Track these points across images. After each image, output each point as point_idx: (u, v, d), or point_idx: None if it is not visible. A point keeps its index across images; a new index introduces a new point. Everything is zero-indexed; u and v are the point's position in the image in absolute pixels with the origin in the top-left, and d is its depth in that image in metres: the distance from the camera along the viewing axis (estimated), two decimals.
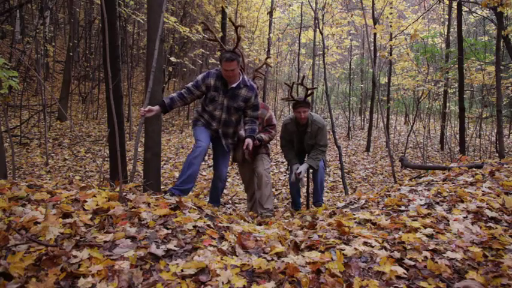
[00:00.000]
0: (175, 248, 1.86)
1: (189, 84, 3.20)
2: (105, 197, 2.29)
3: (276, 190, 6.32)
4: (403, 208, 2.64)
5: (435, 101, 12.12)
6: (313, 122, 3.85)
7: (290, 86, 3.91)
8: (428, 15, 13.91)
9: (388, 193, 3.19)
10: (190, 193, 5.65)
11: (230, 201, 5.41)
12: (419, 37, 8.19)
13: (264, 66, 4.48)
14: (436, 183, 3.22)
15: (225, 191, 6.02)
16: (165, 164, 7.98)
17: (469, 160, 4.68)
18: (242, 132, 3.66)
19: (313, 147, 3.92)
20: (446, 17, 11.16)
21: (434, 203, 2.65)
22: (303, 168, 3.78)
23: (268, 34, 12.20)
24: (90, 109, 13.10)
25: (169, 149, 9.40)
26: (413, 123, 8.63)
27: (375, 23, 9.56)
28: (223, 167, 3.34)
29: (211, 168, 7.95)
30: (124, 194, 2.45)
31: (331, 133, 7.20)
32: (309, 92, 3.81)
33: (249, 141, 3.25)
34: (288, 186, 4.16)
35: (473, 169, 3.66)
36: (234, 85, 3.10)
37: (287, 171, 4.38)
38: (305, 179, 3.92)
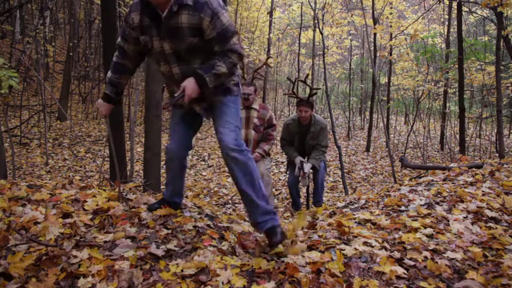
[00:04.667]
0: (175, 248, 1.86)
1: (119, 39, 2.02)
2: (105, 197, 2.30)
3: (276, 190, 6.32)
4: (403, 208, 2.64)
5: (435, 101, 12.12)
6: (316, 122, 3.89)
7: (293, 82, 3.94)
8: (428, 15, 13.91)
9: (388, 193, 3.19)
10: (190, 193, 5.65)
11: (230, 201, 5.40)
12: (419, 37, 8.19)
13: (264, 66, 4.48)
14: (436, 183, 3.22)
15: (224, 191, 6.02)
16: (165, 164, 7.97)
17: (469, 160, 4.68)
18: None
19: (313, 148, 3.94)
20: (446, 17, 11.16)
21: (434, 203, 2.65)
22: (307, 167, 3.80)
23: (268, 34, 12.20)
24: (90, 109, 13.09)
25: None
26: (413, 123, 8.64)
27: (374, 23, 9.56)
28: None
29: (211, 168, 7.95)
30: (124, 194, 2.46)
31: (331, 133, 7.20)
32: (313, 92, 3.84)
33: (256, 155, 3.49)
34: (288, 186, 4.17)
35: (473, 169, 3.66)
36: (165, 11, 1.80)
37: (287, 172, 4.39)
38: (307, 179, 3.95)
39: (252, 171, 1.95)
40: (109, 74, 2.10)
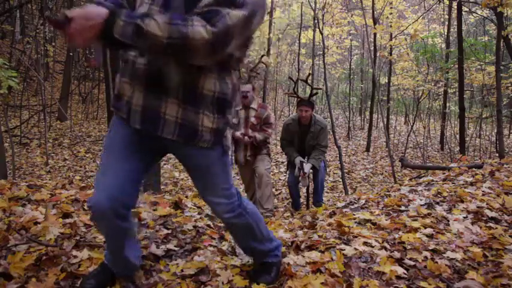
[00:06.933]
0: (175, 248, 1.86)
1: None
2: None
3: (276, 190, 6.31)
4: (403, 208, 2.64)
5: (435, 101, 12.12)
6: (316, 122, 3.89)
7: (294, 82, 3.93)
8: (428, 15, 13.90)
9: (388, 193, 3.19)
10: (190, 193, 5.65)
11: None
12: (419, 37, 8.20)
13: (264, 66, 4.47)
14: (436, 183, 3.22)
15: None
16: (165, 164, 7.97)
17: (469, 160, 4.68)
18: (238, 134, 3.68)
19: (313, 148, 3.94)
20: (446, 17, 11.15)
21: (434, 203, 2.65)
22: (307, 167, 3.80)
23: (268, 34, 12.18)
24: (90, 109, 13.09)
25: None
26: (413, 123, 8.64)
27: (375, 23, 9.55)
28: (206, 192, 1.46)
29: None
30: None
31: (331, 133, 7.21)
32: (314, 91, 3.84)
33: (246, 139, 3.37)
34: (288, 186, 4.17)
35: (473, 169, 3.66)
36: None
37: (287, 172, 4.39)
38: (307, 179, 3.95)
39: (253, 227, 1.57)
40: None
